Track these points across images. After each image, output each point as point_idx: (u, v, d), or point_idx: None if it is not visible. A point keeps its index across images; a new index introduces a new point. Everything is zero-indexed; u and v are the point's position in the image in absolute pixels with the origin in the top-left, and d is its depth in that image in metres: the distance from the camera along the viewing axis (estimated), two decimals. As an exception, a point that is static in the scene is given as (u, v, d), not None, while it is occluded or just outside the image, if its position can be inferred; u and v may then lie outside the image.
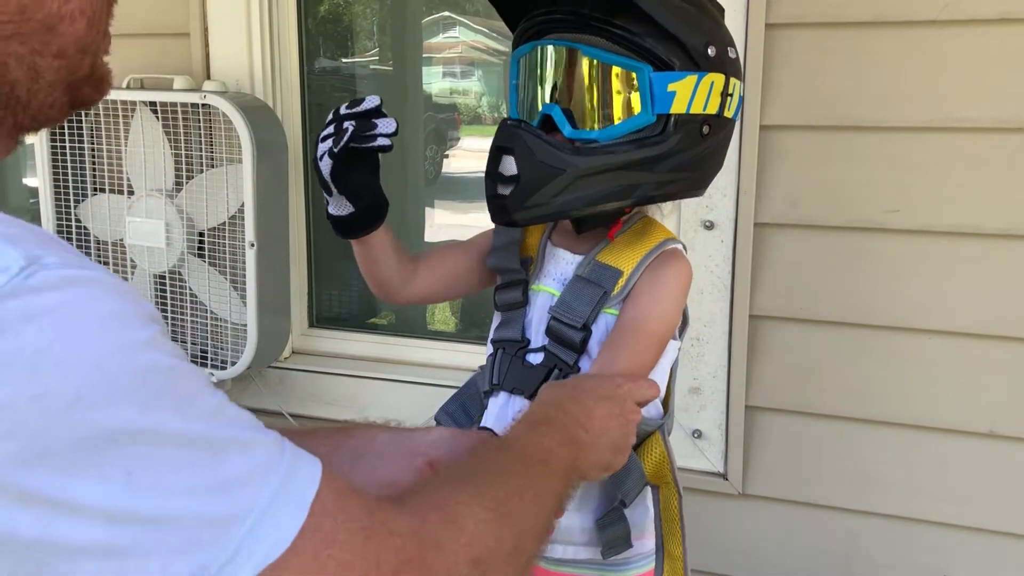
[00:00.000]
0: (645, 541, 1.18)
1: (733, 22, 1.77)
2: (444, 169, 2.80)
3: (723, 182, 1.83)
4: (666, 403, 1.19)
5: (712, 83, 1.05)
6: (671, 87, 1.02)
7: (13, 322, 0.47)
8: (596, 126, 1.05)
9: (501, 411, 1.14)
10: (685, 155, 1.06)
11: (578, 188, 1.04)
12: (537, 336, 1.15)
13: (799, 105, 1.79)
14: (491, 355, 1.18)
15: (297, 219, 2.29)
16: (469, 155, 2.65)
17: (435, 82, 2.60)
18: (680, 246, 1.16)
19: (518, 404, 1.12)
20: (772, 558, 1.96)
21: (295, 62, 2.27)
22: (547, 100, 1.08)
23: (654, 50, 1.02)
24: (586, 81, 1.06)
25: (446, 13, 2.50)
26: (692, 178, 1.10)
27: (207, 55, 2.20)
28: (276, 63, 2.23)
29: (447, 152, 2.78)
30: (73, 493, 0.48)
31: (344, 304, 2.51)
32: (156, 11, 2.23)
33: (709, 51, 1.04)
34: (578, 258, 1.15)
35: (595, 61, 1.04)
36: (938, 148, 1.73)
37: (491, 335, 1.19)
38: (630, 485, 1.13)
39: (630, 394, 0.97)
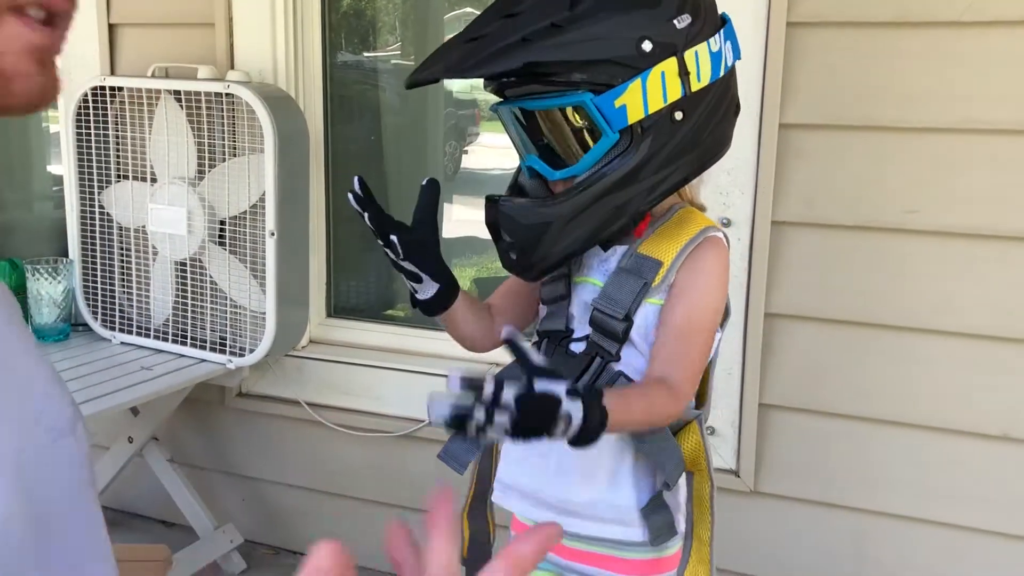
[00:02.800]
0: (679, 521, 1.21)
1: (754, 20, 1.78)
2: (463, 164, 2.81)
3: (741, 180, 1.84)
4: (703, 395, 1.23)
5: (662, 73, 1.04)
6: (618, 103, 1.03)
7: None
8: (572, 162, 1.08)
9: None
10: (665, 151, 1.07)
11: (572, 231, 1.09)
12: (581, 326, 1.18)
13: (819, 104, 1.79)
14: (535, 343, 1.22)
15: (317, 209, 2.30)
16: (488, 151, 2.66)
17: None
18: (719, 234, 1.17)
19: None
20: (783, 556, 1.97)
21: (318, 54, 2.29)
22: (524, 153, 1.15)
23: (587, 78, 1.03)
24: (544, 128, 1.10)
25: (467, 8, 2.51)
26: (688, 162, 1.10)
27: (231, 45, 2.22)
28: (299, 54, 2.24)
29: (466, 148, 2.79)
30: None
31: (361, 295, 2.53)
32: (182, 1, 2.26)
33: (644, 47, 1.02)
34: (620, 249, 1.17)
35: (541, 111, 1.07)
36: (958, 149, 1.73)
37: (538, 326, 1.23)
38: (671, 468, 1.16)
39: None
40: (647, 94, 1.03)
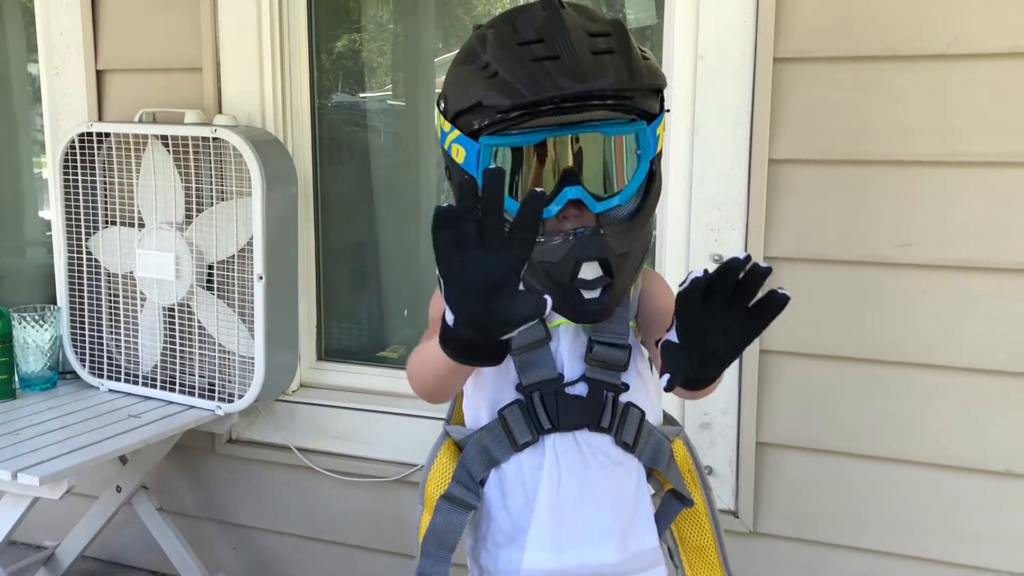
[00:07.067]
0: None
1: (741, 56, 1.79)
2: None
3: (732, 216, 1.83)
4: None
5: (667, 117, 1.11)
6: (658, 131, 1.08)
7: None
8: (610, 192, 1.06)
9: (570, 454, 1.11)
10: (658, 188, 1.10)
11: (636, 262, 1.09)
12: (572, 368, 1.12)
13: (808, 139, 1.78)
14: (517, 402, 1.11)
15: (306, 252, 2.29)
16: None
17: (447, 117, 2.61)
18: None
19: (594, 439, 1.11)
20: (784, 599, 1.93)
21: (306, 97, 2.28)
22: (567, 184, 1.03)
23: (645, 107, 1.06)
24: (601, 156, 1.06)
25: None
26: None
27: (219, 90, 2.22)
28: (287, 98, 2.24)
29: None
30: None
31: (352, 337, 2.50)
32: (169, 46, 2.26)
33: (666, 89, 1.09)
34: None
35: (604, 136, 1.04)
36: (948, 182, 1.72)
37: (520, 380, 1.11)
38: (674, 473, 1.20)
39: None
40: (662, 132, 1.09)
